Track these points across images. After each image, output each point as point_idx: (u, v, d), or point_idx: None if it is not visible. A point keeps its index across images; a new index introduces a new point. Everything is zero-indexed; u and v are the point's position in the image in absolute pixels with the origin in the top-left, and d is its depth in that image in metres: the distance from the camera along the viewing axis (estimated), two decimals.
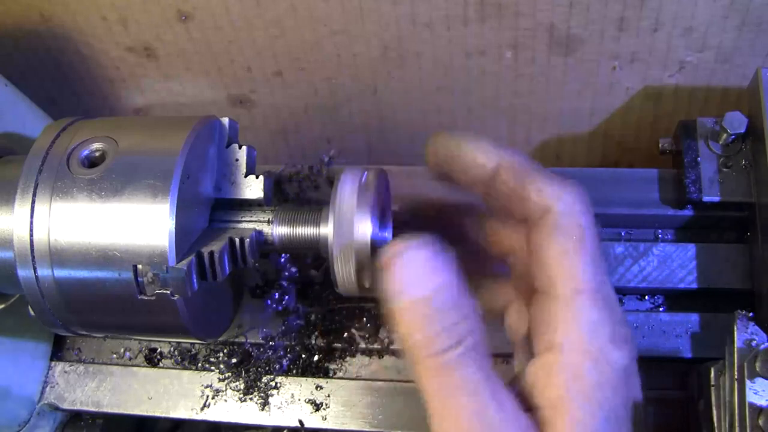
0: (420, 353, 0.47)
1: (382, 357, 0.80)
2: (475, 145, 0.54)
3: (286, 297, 0.82)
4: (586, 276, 0.49)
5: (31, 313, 0.62)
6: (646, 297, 0.80)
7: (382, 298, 0.48)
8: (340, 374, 0.80)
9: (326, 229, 0.57)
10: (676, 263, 0.79)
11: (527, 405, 0.49)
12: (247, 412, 0.79)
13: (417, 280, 0.47)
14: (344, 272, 0.56)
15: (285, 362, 0.80)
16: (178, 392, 0.81)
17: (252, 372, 0.80)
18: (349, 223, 0.54)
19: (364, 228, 0.54)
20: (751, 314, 0.65)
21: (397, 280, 0.47)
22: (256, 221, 0.63)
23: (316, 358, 0.80)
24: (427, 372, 0.47)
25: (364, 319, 0.81)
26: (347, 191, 0.55)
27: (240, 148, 0.65)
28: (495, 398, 0.46)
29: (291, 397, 0.79)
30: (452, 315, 0.47)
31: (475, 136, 0.55)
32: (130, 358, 0.84)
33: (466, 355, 0.46)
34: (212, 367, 0.81)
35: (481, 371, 0.46)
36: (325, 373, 0.80)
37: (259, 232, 0.62)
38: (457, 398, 0.46)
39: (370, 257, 0.54)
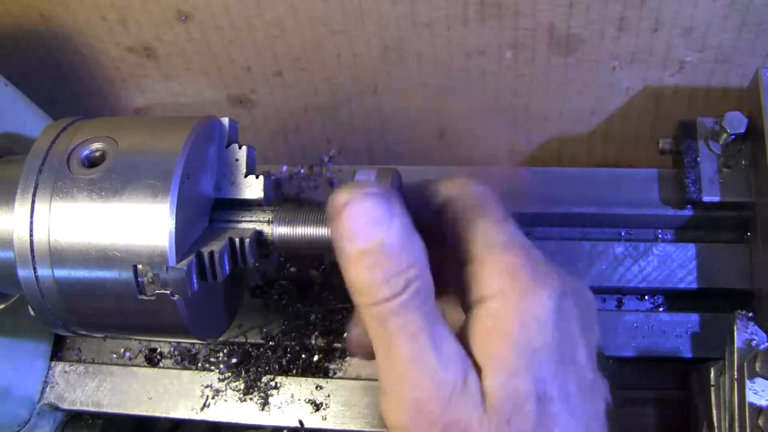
0: (365, 302, 0.48)
1: None
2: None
3: (286, 297, 0.82)
4: (494, 233, 0.52)
5: (31, 313, 0.62)
6: (646, 297, 0.80)
7: (333, 248, 0.49)
8: (340, 374, 0.80)
9: None
10: (676, 263, 0.79)
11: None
12: (247, 412, 0.79)
13: (363, 229, 0.47)
14: None
15: (285, 362, 0.80)
16: (178, 392, 0.81)
17: (252, 372, 0.80)
18: None
19: None
20: (751, 314, 0.65)
21: (344, 230, 0.47)
22: (256, 221, 0.62)
23: (316, 358, 0.80)
24: (372, 320, 0.48)
25: None
26: None
27: (240, 148, 0.65)
28: (434, 341, 0.48)
29: (291, 397, 0.79)
30: (399, 262, 0.47)
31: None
32: (130, 358, 0.84)
33: (408, 301, 0.47)
34: (212, 367, 0.81)
35: (422, 317, 0.48)
36: (325, 373, 0.80)
37: (259, 232, 0.62)
38: (396, 345, 0.48)
39: None
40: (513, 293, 0.49)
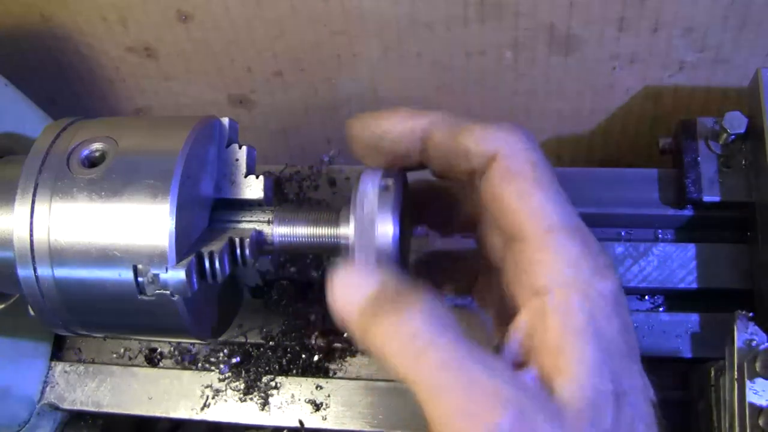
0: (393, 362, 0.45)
1: None
2: (396, 115, 0.52)
3: (286, 297, 0.82)
4: (552, 212, 0.47)
5: (31, 313, 0.62)
6: (646, 297, 0.80)
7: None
8: (340, 374, 0.80)
9: (346, 231, 0.56)
10: (676, 263, 0.79)
11: (520, 363, 0.46)
12: (247, 412, 0.79)
13: (348, 294, 0.49)
14: None
15: (285, 362, 0.80)
16: (178, 392, 0.81)
17: (252, 372, 0.80)
18: (371, 225, 0.53)
19: (387, 229, 0.52)
20: (751, 314, 0.65)
21: (336, 301, 0.49)
22: (256, 221, 0.62)
23: (316, 358, 0.80)
24: (407, 371, 0.45)
25: None
26: (369, 192, 0.53)
27: (240, 148, 0.65)
28: (481, 363, 0.44)
29: (291, 397, 0.79)
30: (397, 303, 0.46)
31: (391, 108, 0.52)
32: (130, 358, 0.84)
33: (430, 341, 0.44)
34: (212, 367, 0.81)
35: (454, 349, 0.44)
36: (325, 373, 0.80)
37: (259, 232, 0.62)
38: (438, 382, 0.43)
39: (392, 258, 0.53)
40: (580, 285, 0.45)
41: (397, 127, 0.51)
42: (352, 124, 0.53)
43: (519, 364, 0.46)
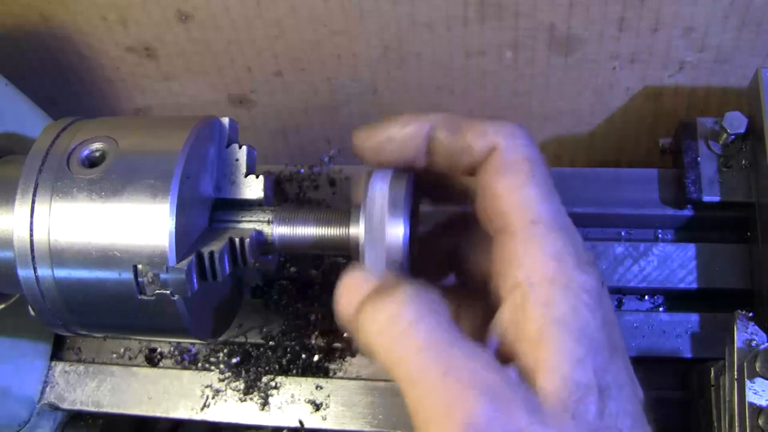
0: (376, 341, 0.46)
1: None
2: (400, 120, 0.53)
3: (286, 297, 0.82)
4: (540, 206, 0.48)
5: (31, 313, 0.62)
6: (646, 297, 0.80)
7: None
8: (340, 374, 0.80)
9: (356, 230, 0.56)
10: (676, 263, 0.79)
11: (504, 357, 0.46)
12: (247, 412, 0.79)
13: (349, 294, 0.49)
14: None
15: (285, 362, 0.80)
16: (178, 392, 0.81)
17: (252, 372, 0.80)
18: (381, 226, 0.53)
19: (398, 231, 0.52)
20: (751, 314, 0.65)
21: (339, 302, 0.50)
22: (256, 221, 0.62)
23: (316, 358, 0.80)
24: (386, 354, 0.46)
25: None
26: (379, 192, 0.53)
27: (240, 148, 0.65)
28: (462, 351, 0.44)
29: (291, 397, 0.79)
30: (396, 298, 0.47)
31: (393, 117, 0.54)
32: (130, 358, 0.84)
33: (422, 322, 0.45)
34: (212, 367, 0.81)
35: (438, 334, 0.45)
36: (325, 373, 0.80)
37: (259, 232, 0.62)
38: (422, 368, 0.44)
39: (401, 259, 0.53)
40: (562, 278, 0.45)
41: (401, 131, 0.53)
42: (358, 134, 0.55)
43: (501, 357, 0.46)
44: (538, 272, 0.46)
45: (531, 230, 0.47)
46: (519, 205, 0.48)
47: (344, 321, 0.50)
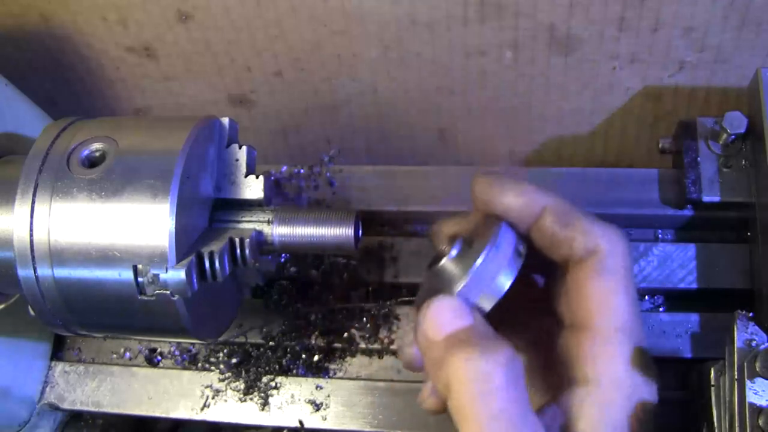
0: (456, 388, 0.48)
1: (382, 357, 0.81)
2: (518, 191, 0.56)
3: (286, 297, 0.82)
4: (626, 315, 0.52)
5: (31, 313, 0.62)
6: (646, 297, 0.80)
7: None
8: (340, 374, 0.80)
9: (454, 254, 0.56)
10: (676, 263, 0.79)
11: None
12: (247, 412, 0.79)
13: (440, 321, 0.51)
14: None
15: (285, 362, 0.80)
16: (178, 392, 0.81)
17: (252, 372, 0.80)
18: (494, 274, 0.53)
19: (503, 286, 0.53)
20: (751, 314, 0.65)
21: (430, 323, 0.51)
22: (256, 221, 0.63)
23: (316, 358, 0.80)
24: (462, 402, 0.47)
25: (364, 319, 0.81)
26: (504, 247, 0.54)
27: (240, 148, 0.65)
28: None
29: (291, 397, 0.79)
30: (487, 346, 0.49)
31: (517, 181, 0.57)
32: (130, 358, 0.84)
33: (500, 387, 0.47)
34: (212, 367, 0.81)
35: (514, 404, 0.47)
36: (326, 373, 0.80)
37: (259, 232, 0.62)
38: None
39: (489, 310, 0.54)
40: (627, 388, 0.50)
41: (515, 200, 0.56)
42: (478, 182, 0.57)
43: None
44: (608, 375, 0.51)
45: (613, 336, 0.52)
46: (608, 310, 0.52)
47: (423, 341, 0.51)
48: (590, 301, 0.53)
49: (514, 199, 0.56)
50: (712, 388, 0.67)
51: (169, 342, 0.84)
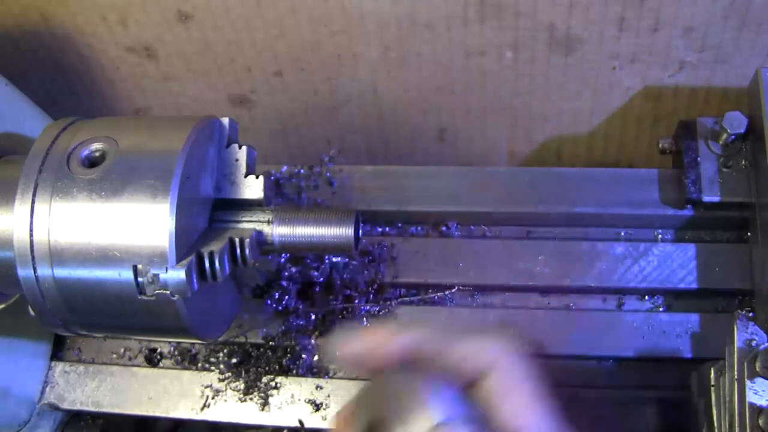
0: None
1: None
2: (377, 338, 0.55)
3: (286, 297, 0.82)
4: (542, 424, 0.51)
5: (31, 313, 0.62)
6: (646, 297, 0.80)
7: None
8: (340, 374, 0.80)
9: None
10: (676, 263, 0.79)
11: None
12: (247, 412, 0.79)
13: None
14: None
15: (285, 362, 0.80)
16: (178, 392, 0.81)
17: (252, 372, 0.80)
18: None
19: None
20: (751, 314, 0.65)
21: None
22: (256, 221, 0.63)
23: (316, 358, 0.80)
24: None
25: (364, 319, 0.81)
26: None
27: (240, 148, 0.65)
28: None
29: (291, 397, 0.79)
30: None
31: (374, 330, 0.55)
32: (130, 358, 0.84)
33: None
34: (212, 367, 0.81)
35: None
36: (325, 373, 0.80)
37: (259, 232, 0.62)
38: None
39: None
40: None
41: (379, 350, 0.54)
42: (337, 344, 0.56)
43: None
44: None
45: None
46: (526, 424, 0.51)
47: None
48: (508, 420, 0.52)
49: (378, 349, 0.54)
50: (712, 388, 0.67)
51: (169, 342, 0.84)
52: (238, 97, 1.01)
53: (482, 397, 0.52)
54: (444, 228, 0.84)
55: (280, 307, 0.82)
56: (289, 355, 0.80)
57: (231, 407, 0.79)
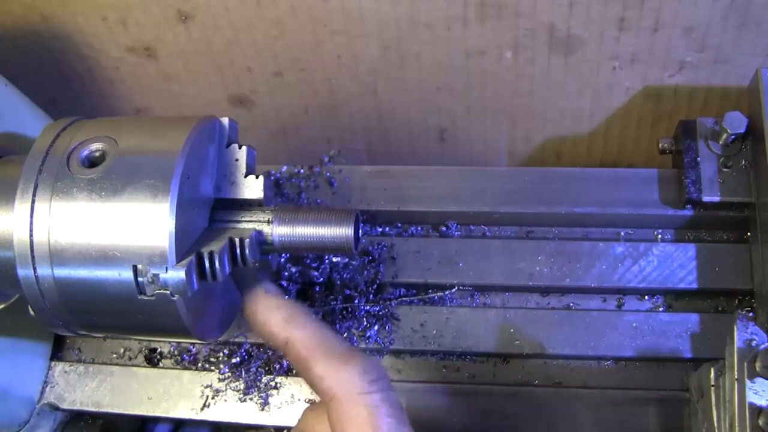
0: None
1: (382, 357, 0.81)
2: (267, 316, 0.60)
3: (286, 297, 0.82)
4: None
5: (31, 313, 0.62)
6: (646, 297, 0.80)
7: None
8: None
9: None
10: (676, 263, 0.79)
11: None
12: (247, 412, 0.79)
13: None
14: None
15: (285, 362, 0.80)
16: (178, 392, 0.81)
17: (252, 372, 0.80)
18: None
19: None
20: (751, 314, 0.65)
21: None
22: (256, 221, 0.62)
23: None
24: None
25: (364, 319, 0.81)
26: None
27: (240, 148, 0.65)
28: None
29: (291, 397, 0.79)
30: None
31: (275, 303, 0.60)
32: (130, 358, 0.84)
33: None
34: (212, 367, 0.81)
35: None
36: None
37: (259, 232, 0.62)
38: None
39: None
40: None
41: (265, 326, 0.60)
42: (248, 300, 0.62)
43: None
44: None
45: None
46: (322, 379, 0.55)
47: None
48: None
49: (267, 326, 0.59)
50: (712, 388, 0.67)
51: (169, 342, 0.84)
52: (238, 97, 1.01)
53: (330, 419, 0.55)
54: (444, 228, 0.84)
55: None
56: None
57: (231, 407, 0.79)
